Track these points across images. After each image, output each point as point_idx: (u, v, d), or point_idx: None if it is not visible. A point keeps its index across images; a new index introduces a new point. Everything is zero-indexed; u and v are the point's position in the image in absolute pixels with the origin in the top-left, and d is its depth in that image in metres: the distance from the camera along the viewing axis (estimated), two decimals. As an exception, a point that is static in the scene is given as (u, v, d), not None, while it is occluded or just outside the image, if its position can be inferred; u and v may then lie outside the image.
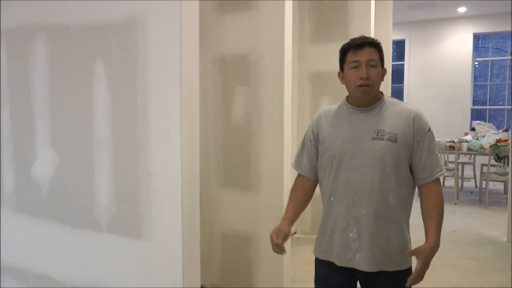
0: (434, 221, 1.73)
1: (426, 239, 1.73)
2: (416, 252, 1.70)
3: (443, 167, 1.79)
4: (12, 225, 2.60)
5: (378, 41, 1.78)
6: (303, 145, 1.95)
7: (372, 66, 1.72)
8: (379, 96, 1.80)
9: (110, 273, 2.28)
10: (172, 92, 2.04)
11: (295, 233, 4.95)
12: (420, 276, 1.70)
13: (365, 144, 1.73)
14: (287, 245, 3.11)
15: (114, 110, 2.21)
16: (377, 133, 1.73)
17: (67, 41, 2.31)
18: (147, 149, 2.13)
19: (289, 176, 3.09)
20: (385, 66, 1.81)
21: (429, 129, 1.76)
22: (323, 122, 1.87)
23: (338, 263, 1.81)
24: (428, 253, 1.69)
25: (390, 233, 1.75)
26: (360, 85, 1.72)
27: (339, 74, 1.84)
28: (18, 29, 2.46)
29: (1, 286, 2.64)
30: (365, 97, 1.76)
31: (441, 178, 1.99)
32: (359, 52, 1.73)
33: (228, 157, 3.24)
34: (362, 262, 1.75)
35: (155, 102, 2.10)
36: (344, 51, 1.79)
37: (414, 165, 1.75)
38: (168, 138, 2.07)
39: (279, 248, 1.86)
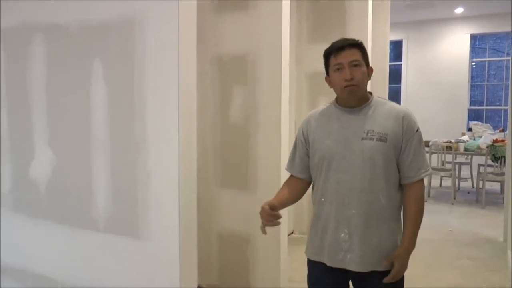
0: (411, 224, 1.76)
1: (402, 241, 1.77)
2: (393, 258, 1.74)
3: (428, 167, 1.80)
4: (10, 225, 2.59)
5: (359, 41, 1.80)
6: (295, 147, 1.97)
7: (356, 66, 1.73)
8: (367, 97, 1.81)
9: (108, 273, 2.28)
10: (170, 92, 2.04)
11: (292, 233, 4.95)
12: (396, 277, 1.74)
13: (355, 144, 1.74)
14: (284, 245, 3.12)
15: (112, 110, 2.21)
16: (367, 133, 1.74)
17: (65, 41, 2.31)
18: (145, 149, 2.13)
19: (286, 176, 3.08)
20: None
21: (417, 129, 1.78)
22: (313, 123, 1.88)
23: (329, 263, 1.81)
24: (402, 257, 1.74)
25: (381, 233, 1.76)
26: (346, 86, 1.73)
27: (326, 79, 1.85)
28: (16, 29, 2.46)
29: (0, 287, 2.64)
30: (352, 97, 1.77)
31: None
32: (340, 54, 1.74)
33: (225, 157, 3.24)
34: (353, 262, 1.76)
35: (153, 102, 2.10)
36: (327, 56, 1.80)
37: (400, 164, 1.77)
38: (166, 138, 2.08)
39: (271, 216, 1.78)
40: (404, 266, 1.74)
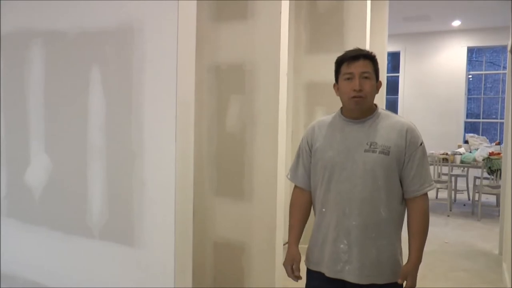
0: (417, 239, 1.77)
1: (409, 256, 1.77)
2: (406, 275, 1.74)
3: (432, 182, 1.80)
4: (4, 231, 2.58)
5: (373, 53, 1.80)
6: (298, 156, 1.96)
7: (366, 78, 1.74)
8: (373, 108, 1.81)
9: (102, 280, 2.26)
10: (167, 100, 2.04)
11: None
12: None
13: (357, 156, 1.74)
14: (280, 253, 3.11)
15: (108, 117, 2.21)
16: (370, 145, 1.73)
17: (63, 47, 2.31)
18: (141, 157, 2.13)
19: (282, 186, 3.09)
20: (380, 77, 1.82)
21: (421, 143, 1.77)
22: (317, 132, 1.88)
23: (328, 274, 1.81)
24: (412, 272, 1.75)
25: (380, 245, 1.75)
26: (353, 97, 1.74)
27: (334, 86, 1.85)
28: (14, 35, 2.46)
29: (-9, 292, 2.61)
30: (358, 109, 1.77)
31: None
32: (353, 64, 1.74)
33: (222, 165, 3.24)
34: (351, 274, 1.75)
35: (150, 110, 2.10)
36: (339, 63, 1.80)
37: (403, 177, 1.76)
38: (162, 145, 2.07)
39: (296, 277, 1.92)
40: (415, 281, 1.75)
